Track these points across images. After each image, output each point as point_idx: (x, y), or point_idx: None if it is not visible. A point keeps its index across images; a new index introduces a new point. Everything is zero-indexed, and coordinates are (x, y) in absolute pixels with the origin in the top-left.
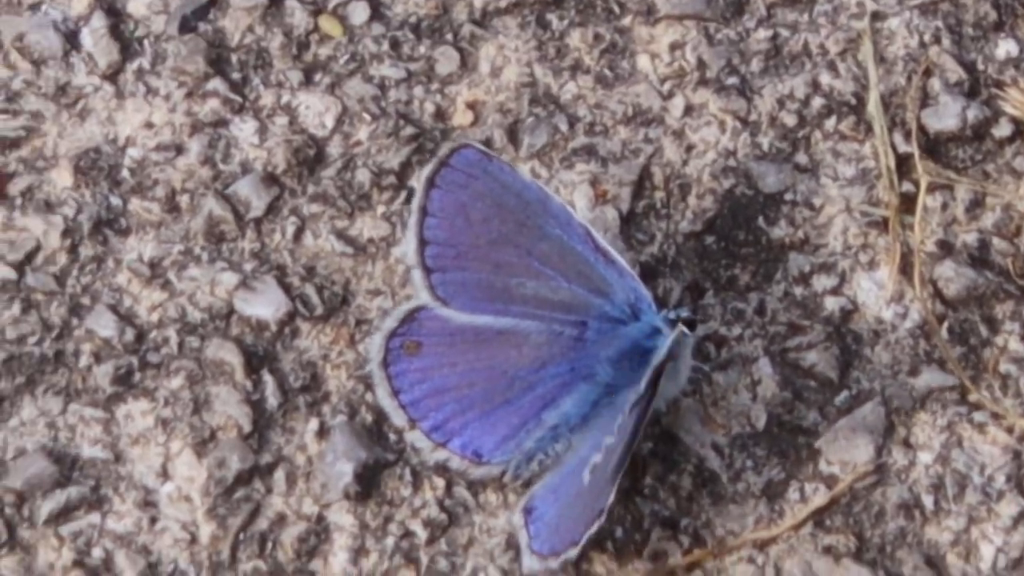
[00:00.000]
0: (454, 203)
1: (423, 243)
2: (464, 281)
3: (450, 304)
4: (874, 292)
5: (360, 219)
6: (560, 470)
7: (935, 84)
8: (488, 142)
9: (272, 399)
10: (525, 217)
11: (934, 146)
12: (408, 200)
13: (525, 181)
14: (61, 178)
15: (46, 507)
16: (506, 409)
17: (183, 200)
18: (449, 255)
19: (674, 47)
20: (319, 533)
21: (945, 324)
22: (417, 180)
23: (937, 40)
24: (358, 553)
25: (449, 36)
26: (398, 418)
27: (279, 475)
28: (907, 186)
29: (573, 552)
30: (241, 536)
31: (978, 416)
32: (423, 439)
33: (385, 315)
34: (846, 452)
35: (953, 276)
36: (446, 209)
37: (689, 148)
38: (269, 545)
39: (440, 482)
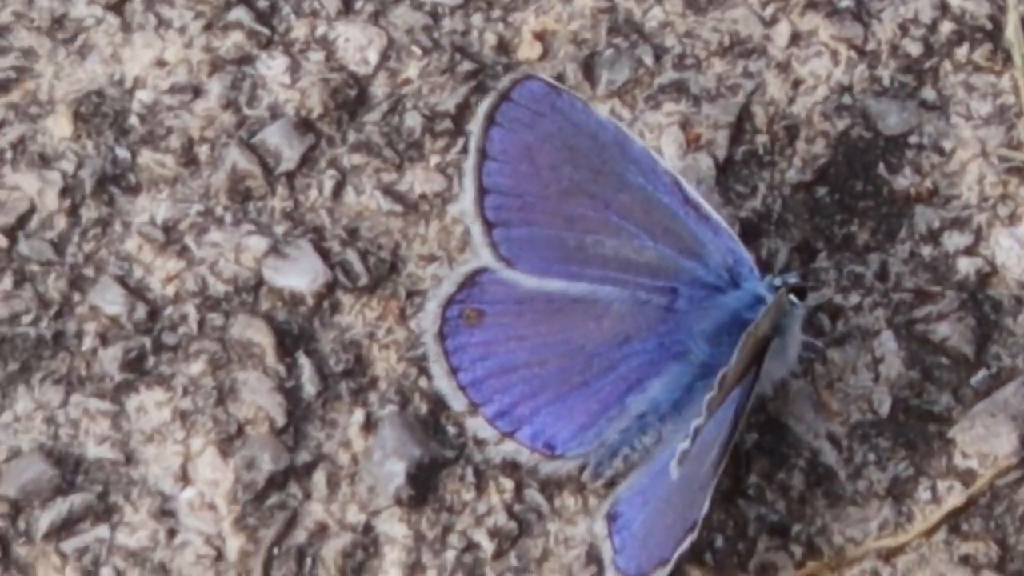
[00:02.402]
0: (518, 145)
1: (483, 192)
2: (531, 238)
3: (516, 266)
4: (1016, 251)
5: (410, 171)
6: (649, 468)
7: None
8: (560, 78)
9: (309, 386)
10: (602, 163)
11: None
12: (466, 147)
13: (601, 120)
14: (59, 127)
15: (45, 519)
16: (584, 392)
17: (202, 151)
18: (513, 206)
19: None
20: (367, 546)
21: None
22: (475, 119)
23: None
24: (413, 569)
25: None
26: (457, 402)
27: (319, 477)
28: None
29: (662, 573)
30: (275, 551)
31: None
32: (486, 427)
33: (441, 280)
34: (985, 442)
35: None
36: (509, 152)
37: (796, 84)
38: (308, 561)
39: (508, 483)
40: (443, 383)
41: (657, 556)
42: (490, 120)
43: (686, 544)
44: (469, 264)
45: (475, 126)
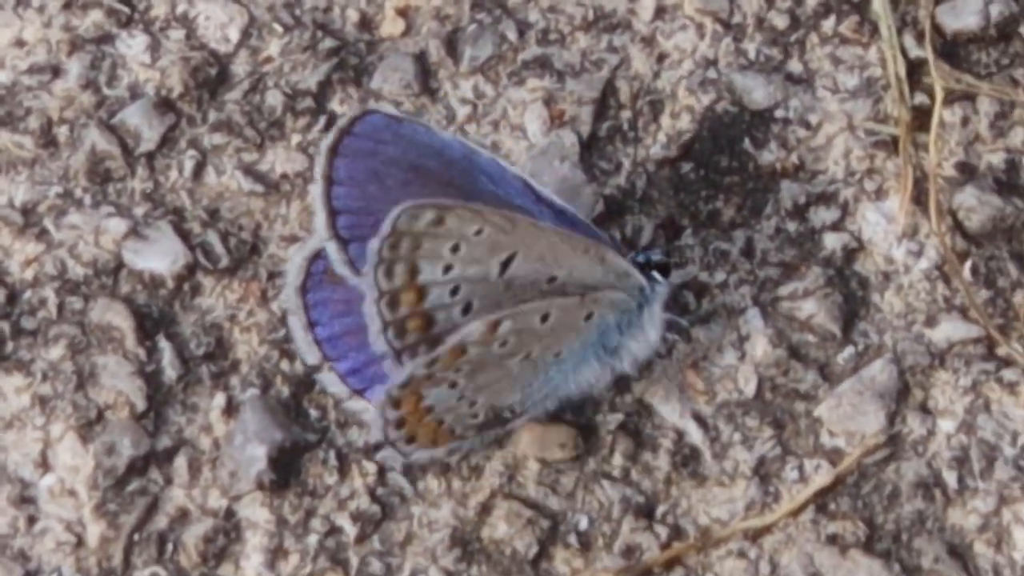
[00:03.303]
0: (364, 170)
1: (333, 213)
2: None
3: None
4: (883, 227)
5: (272, 151)
6: None
7: None
8: (422, 55)
9: (170, 370)
10: (451, 177)
11: (952, 49)
12: (328, 126)
13: (445, 139)
14: None
15: None
16: None
17: (61, 132)
18: (367, 223)
19: None
20: (228, 531)
21: (968, 263)
22: (318, 151)
23: None
24: (275, 554)
25: None
26: (311, 356)
27: (180, 462)
28: (920, 98)
29: None
30: (136, 537)
31: (1008, 374)
32: (338, 383)
33: (307, 236)
34: (852, 421)
35: (976, 205)
36: (356, 176)
37: (661, 58)
38: (169, 547)
39: (371, 467)
40: (299, 335)
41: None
42: (333, 152)
43: None
44: None
45: (319, 158)
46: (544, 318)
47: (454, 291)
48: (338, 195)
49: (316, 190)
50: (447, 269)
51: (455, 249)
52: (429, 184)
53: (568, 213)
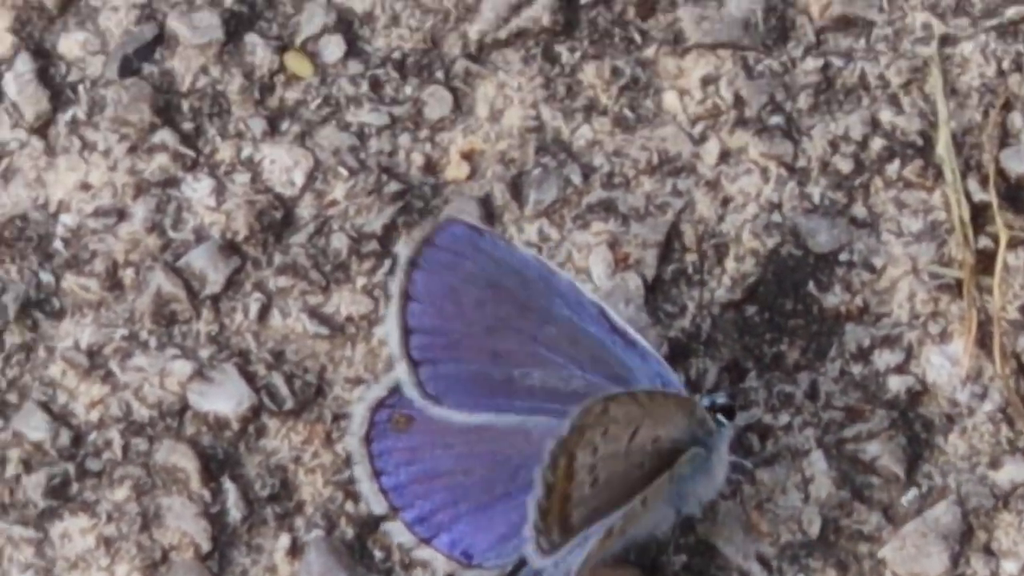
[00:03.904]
0: (442, 286)
1: (407, 332)
2: (458, 374)
3: (443, 403)
4: (947, 369)
5: (337, 293)
6: None
7: (1016, 119)
8: (487, 198)
9: (235, 511)
10: (527, 298)
11: (1016, 193)
12: (392, 269)
13: (525, 257)
14: None
15: None
16: (506, 504)
17: (126, 275)
18: (439, 345)
19: (706, 82)
20: None
21: None
22: (397, 264)
23: (1018, 67)
24: None
25: (440, 74)
26: (378, 505)
27: None
28: (984, 241)
29: None
30: None
31: None
32: (405, 532)
33: (371, 383)
34: (916, 562)
35: None
36: (433, 293)
37: (726, 201)
38: None
39: None
40: (365, 485)
41: None
42: (413, 265)
43: None
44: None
45: (398, 271)
46: (643, 502)
47: (592, 470)
48: (413, 312)
49: (392, 306)
50: (595, 452)
51: (605, 432)
52: (505, 305)
53: (639, 345)
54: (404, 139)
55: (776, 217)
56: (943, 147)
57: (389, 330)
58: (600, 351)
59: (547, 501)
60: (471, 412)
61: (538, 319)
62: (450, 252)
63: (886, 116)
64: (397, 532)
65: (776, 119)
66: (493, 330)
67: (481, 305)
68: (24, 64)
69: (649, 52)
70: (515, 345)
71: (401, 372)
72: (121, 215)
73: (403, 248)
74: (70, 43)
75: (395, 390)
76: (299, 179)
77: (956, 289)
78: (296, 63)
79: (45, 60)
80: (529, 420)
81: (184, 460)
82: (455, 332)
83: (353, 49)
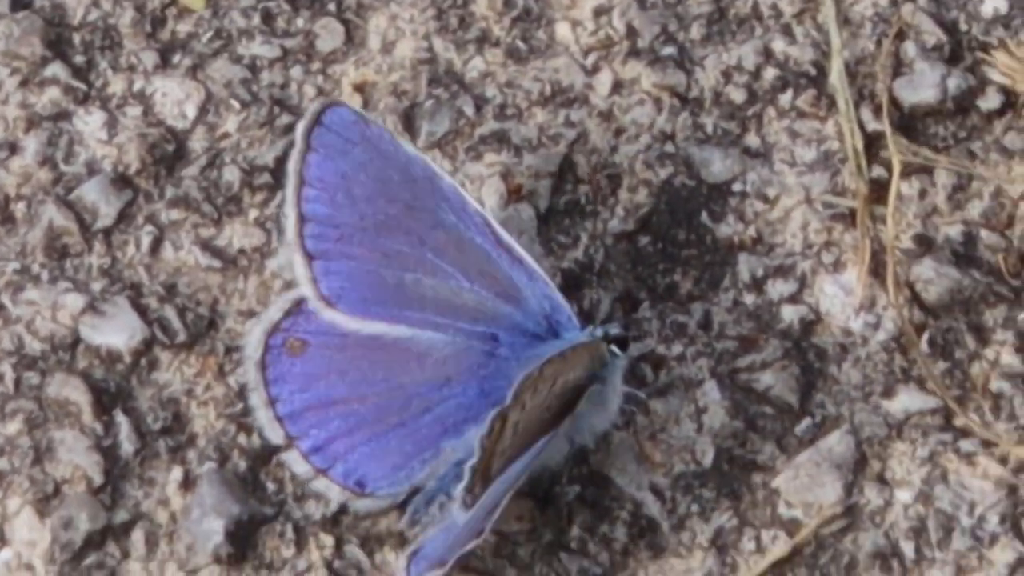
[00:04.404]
0: (334, 172)
1: (303, 219)
2: (351, 273)
3: (337, 306)
4: (840, 299)
5: (229, 226)
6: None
7: (909, 49)
8: None
9: (127, 444)
10: (413, 197)
11: (909, 122)
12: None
13: (409, 154)
14: None
15: None
16: (400, 432)
17: (18, 209)
18: (332, 237)
19: (599, 12)
20: None
21: (925, 335)
22: (294, 140)
23: None
24: None
25: (332, 6)
26: (274, 434)
27: (137, 536)
28: (878, 171)
29: (438, 572)
30: None
31: (966, 444)
32: (301, 462)
33: (267, 307)
34: (809, 492)
35: (934, 277)
36: (325, 179)
37: (619, 132)
38: None
39: (328, 540)
40: (261, 414)
41: (436, 560)
42: (307, 144)
43: (468, 547)
44: (297, 290)
45: (294, 150)
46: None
47: (516, 425)
48: (308, 197)
49: (289, 188)
50: (523, 408)
51: (534, 390)
52: (394, 202)
53: (527, 264)
54: (296, 71)
55: (669, 147)
56: (836, 77)
57: (287, 215)
58: (487, 264)
59: (480, 463)
60: (363, 319)
61: (426, 222)
62: (339, 136)
63: (779, 46)
64: (293, 462)
65: (669, 49)
66: (383, 227)
67: (371, 199)
68: None
69: None
70: (405, 247)
71: (297, 265)
72: (13, 149)
73: (297, 126)
74: None
75: (290, 312)
76: (191, 112)
77: (850, 219)
78: None
79: None
80: (420, 335)
81: (76, 393)
82: (348, 225)
83: None
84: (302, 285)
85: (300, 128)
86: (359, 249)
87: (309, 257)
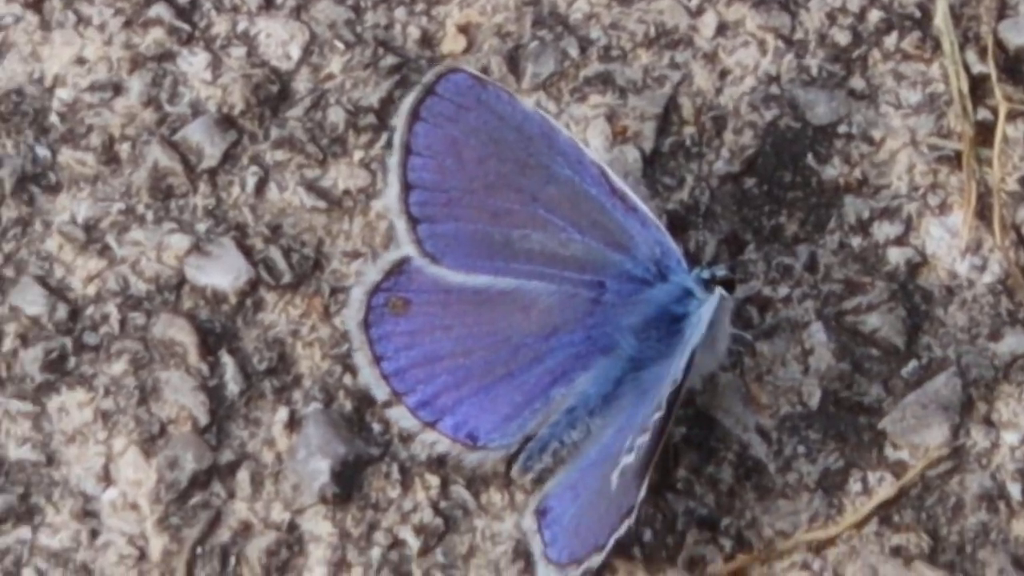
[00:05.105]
0: (443, 139)
1: (407, 187)
2: (457, 233)
3: (441, 261)
4: (946, 241)
5: (334, 167)
6: (578, 463)
7: None
8: (484, 72)
9: (232, 385)
10: (528, 155)
11: (1014, 65)
12: (390, 142)
13: (527, 112)
14: None
15: None
16: (508, 384)
17: (123, 149)
18: (439, 202)
19: None
20: (291, 544)
21: None
22: (399, 114)
23: None
24: (338, 567)
25: None
26: (380, 391)
27: (242, 476)
28: (983, 113)
29: (597, 559)
30: (199, 550)
31: None
32: (408, 417)
33: (367, 267)
34: (916, 434)
35: None
36: (434, 147)
37: (723, 74)
38: (232, 560)
39: (434, 480)
40: (366, 372)
41: (591, 543)
42: (414, 115)
43: (622, 529)
44: (396, 252)
45: (399, 121)
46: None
47: None
48: (414, 166)
49: (393, 159)
50: None
51: None
52: (506, 162)
53: (640, 211)
54: (400, 12)
55: (774, 89)
56: (941, 19)
57: (389, 184)
58: (600, 215)
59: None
60: (468, 273)
61: (539, 178)
62: (452, 103)
63: None
64: (401, 417)
65: None
66: (493, 188)
67: (482, 161)
68: None
69: None
70: (515, 204)
71: (400, 229)
72: (117, 89)
73: (404, 99)
74: None
75: (391, 273)
76: (295, 53)
77: (955, 161)
78: None
79: None
80: (526, 286)
81: (182, 334)
82: (455, 189)
83: None
84: (405, 245)
85: (408, 102)
86: (467, 210)
87: (414, 221)
